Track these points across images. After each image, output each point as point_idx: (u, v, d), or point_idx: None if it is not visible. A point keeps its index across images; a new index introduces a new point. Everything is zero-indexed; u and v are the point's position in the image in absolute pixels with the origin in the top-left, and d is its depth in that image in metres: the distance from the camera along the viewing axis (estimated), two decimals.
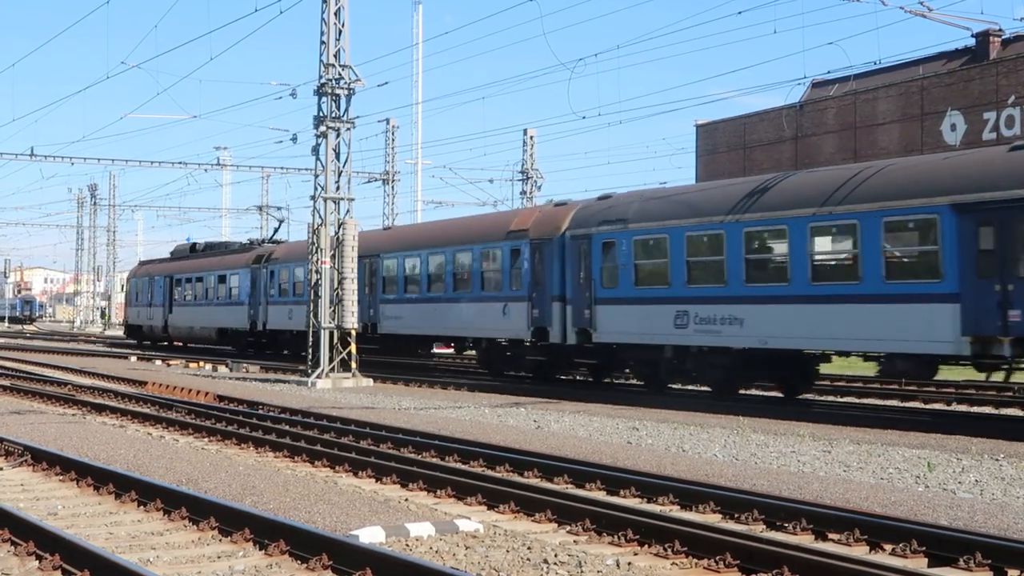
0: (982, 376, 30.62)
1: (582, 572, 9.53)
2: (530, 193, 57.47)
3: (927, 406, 26.45)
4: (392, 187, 67.51)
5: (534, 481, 14.68)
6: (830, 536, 11.02)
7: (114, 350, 56.35)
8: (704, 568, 9.84)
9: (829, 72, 64.12)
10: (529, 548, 10.46)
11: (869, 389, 30.48)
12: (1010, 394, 27.95)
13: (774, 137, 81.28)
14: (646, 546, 10.60)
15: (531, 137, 56.96)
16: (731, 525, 11.66)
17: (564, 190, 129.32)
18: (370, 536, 10.56)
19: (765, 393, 30.09)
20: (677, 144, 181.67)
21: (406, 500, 13.47)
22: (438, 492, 13.81)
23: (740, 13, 32.52)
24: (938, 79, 71.32)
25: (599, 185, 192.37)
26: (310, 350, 34.93)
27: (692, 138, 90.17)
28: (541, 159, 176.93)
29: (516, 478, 14.87)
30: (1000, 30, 68.24)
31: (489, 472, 15.39)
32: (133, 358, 49.59)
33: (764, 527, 11.62)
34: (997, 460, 16.87)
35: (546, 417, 23.85)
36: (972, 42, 70.92)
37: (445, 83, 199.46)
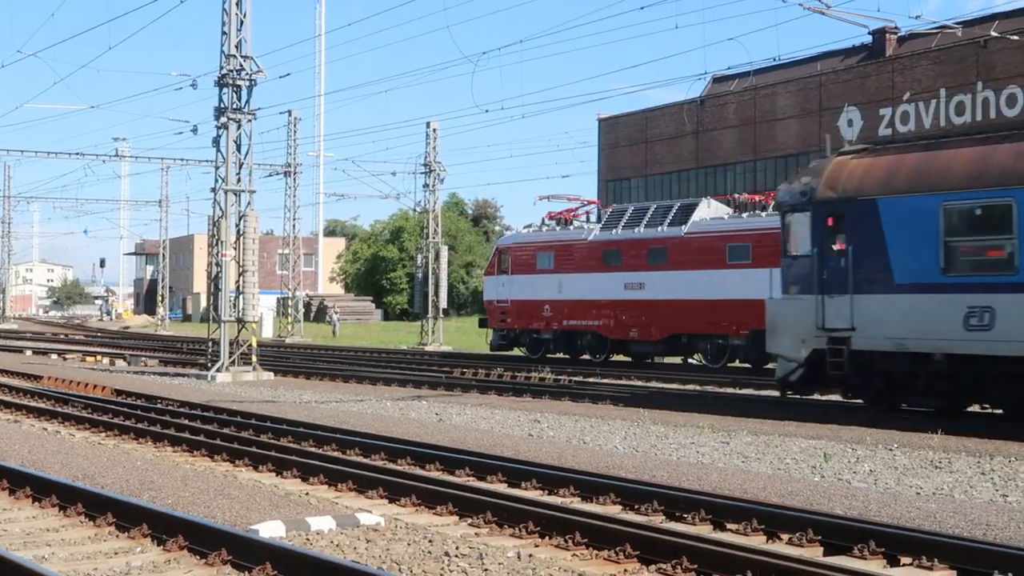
0: None
1: (483, 564, 9.55)
2: (432, 187, 57.34)
3: (824, 397, 26.82)
4: (294, 180, 67.03)
5: (436, 474, 14.68)
6: (728, 526, 11.15)
7: (9, 343, 55.33)
8: (604, 559, 9.91)
9: (729, 68, 64.93)
10: (430, 541, 10.46)
11: (767, 381, 30.86)
12: None
13: (675, 131, 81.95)
14: (547, 538, 10.65)
15: (434, 130, 56.76)
16: (631, 516, 11.76)
17: (467, 183, 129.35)
18: (270, 531, 10.48)
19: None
20: (580, 138, 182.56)
21: (307, 494, 13.40)
22: (339, 486, 13.75)
23: (642, 8, 32.69)
24: (836, 75, 72.37)
25: (501, 178, 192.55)
26: (209, 343, 34.57)
27: (595, 132, 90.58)
28: (444, 152, 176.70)
29: (418, 471, 14.85)
30: (896, 28, 69.39)
31: (391, 465, 15.37)
32: (28, 352, 48.71)
33: (664, 518, 11.73)
34: (891, 450, 17.19)
35: (448, 410, 23.86)
36: (869, 39, 72.00)
37: (348, 75, 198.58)
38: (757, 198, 36.80)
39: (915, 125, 66.51)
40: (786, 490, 13.08)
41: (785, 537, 10.60)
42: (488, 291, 44.50)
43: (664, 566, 9.46)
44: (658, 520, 11.58)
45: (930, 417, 20.44)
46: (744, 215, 35.86)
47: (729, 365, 35.93)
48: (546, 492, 13.31)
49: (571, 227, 41.98)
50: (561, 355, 41.92)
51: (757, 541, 10.60)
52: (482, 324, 46.39)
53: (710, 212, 37.10)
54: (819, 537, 10.36)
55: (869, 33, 69.96)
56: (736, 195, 38.34)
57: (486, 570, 9.37)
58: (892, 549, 9.82)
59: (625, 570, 9.62)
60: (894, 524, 10.78)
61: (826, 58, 73.87)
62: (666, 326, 37.19)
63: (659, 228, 37.57)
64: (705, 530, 11.08)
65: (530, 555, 9.95)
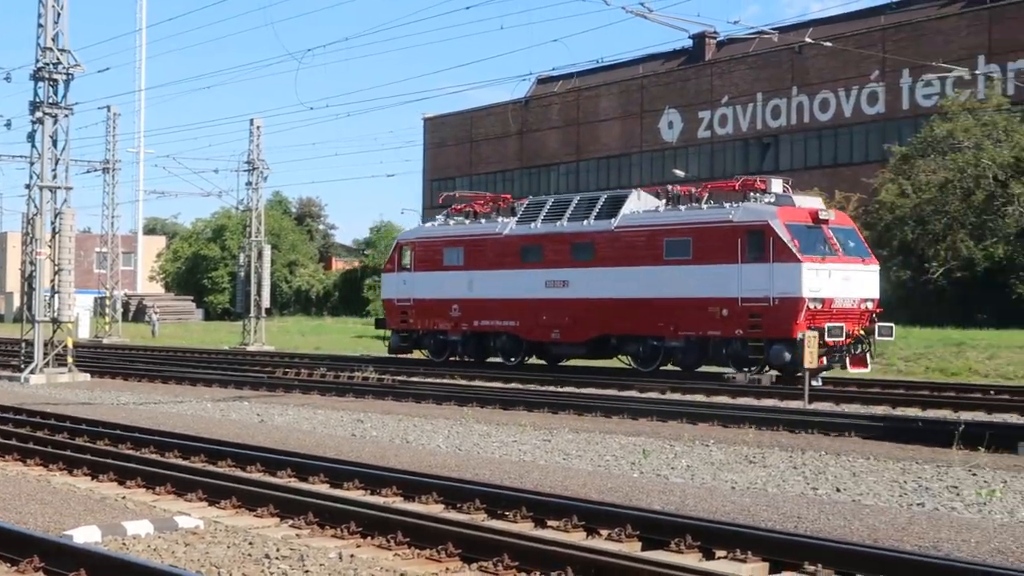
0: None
1: (304, 566, 9.48)
2: (255, 184, 56.62)
3: (643, 394, 27.31)
4: (113, 176, 65.48)
5: (257, 475, 14.51)
6: (549, 523, 11.26)
7: None
8: (427, 558, 9.92)
9: (554, 69, 65.28)
10: (251, 543, 10.34)
11: (588, 380, 31.27)
12: (716, 384, 29.13)
13: (500, 132, 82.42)
14: (369, 538, 10.62)
15: (258, 127, 56.05)
16: (454, 515, 11.79)
17: (291, 181, 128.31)
18: (85, 536, 10.24)
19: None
20: (405, 137, 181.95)
21: (124, 498, 13.11)
22: (157, 489, 13.49)
23: (468, 8, 32.98)
24: (657, 78, 73.64)
25: (327, 176, 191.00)
26: (23, 344, 33.59)
27: (420, 131, 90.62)
28: (268, 150, 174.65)
29: (238, 473, 14.66)
30: (715, 32, 70.93)
31: (210, 467, 15.13)
32: None
33: (486, 516, 11.79)
34: (707, 446, 17.57)
35: (270, 411, 23.61)
36: (689, 43, 73.34)
37: (170, 70, 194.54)
38: (692, 189, 33.99)
39: (733, 128, 68.11)
40: (606, 486, 13.28)
41: (604, 533, 10.75)
42: (387, 289, 41.12)
43: (486, 564, 9.51)
44: (480, 518, 11.64)
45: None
46: (682, 208, 32.96)
47: (662, 368, 32.92)
48: (368, 492, 13.26)
49: (483, 221, 38.48)
50: (467, 359, 38.52)
51: (577, 537, 10.73)
52: (379, 324, 42.78)
53: (641, 204, 34.19)
54: (637, 532, 10.53)
55: (689, 37, 71.32)
56: (669, 186, 35.26)
57: (307, 571, 9.31)
58: (708, 542, 10.03)
59: (447, 568, 9.65)
60: (710, 518, 11.02)
61: (648, 61, 75.12)
62: (593, 327, 34.09)
63: (584, 222, 34.45)
64: (526, 527, 11.17)
65: (352, 555, 9.92)
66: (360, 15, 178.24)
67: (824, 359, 28.74)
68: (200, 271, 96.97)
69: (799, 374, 28.54)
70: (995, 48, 56.37)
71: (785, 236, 29.29)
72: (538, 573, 9.21)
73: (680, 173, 66.39)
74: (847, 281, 29.91)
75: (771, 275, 29.37)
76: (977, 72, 54.03)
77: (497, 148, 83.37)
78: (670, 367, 32.95)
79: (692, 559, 9.77)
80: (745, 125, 67.65)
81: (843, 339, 28.88)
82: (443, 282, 38.22)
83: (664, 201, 33.81)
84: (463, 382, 31.57)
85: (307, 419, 22.04)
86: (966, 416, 21.27)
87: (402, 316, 39.66)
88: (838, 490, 13.52)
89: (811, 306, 28.93)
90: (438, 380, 32.07)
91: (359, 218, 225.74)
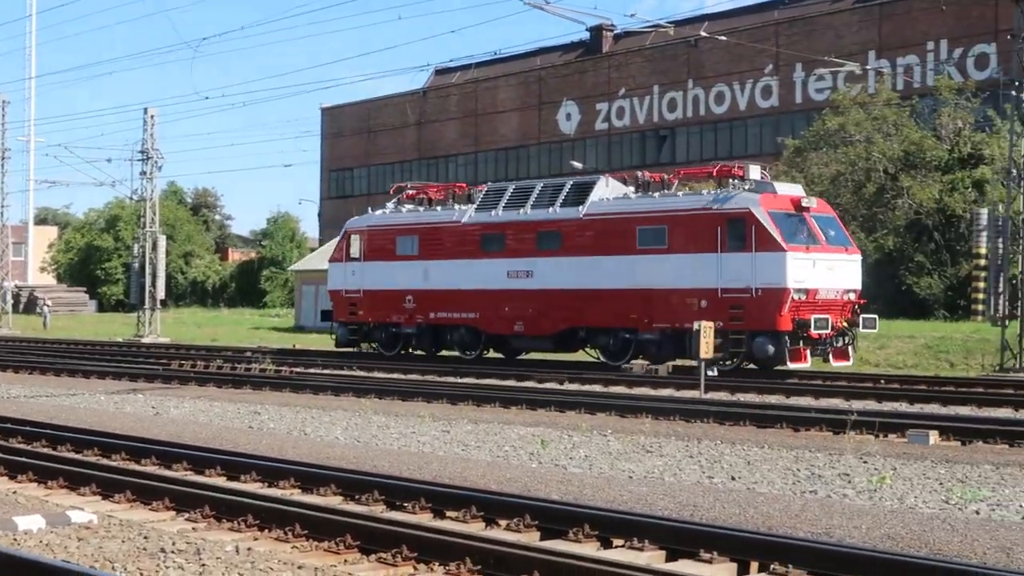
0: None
1: (200, 560, 9.38)
2: (150, 174, 55.85)
3: (542, 385, 27.43)
4: (2, 166, 64.25)
5: (152, 469, 14.32)
6: (448, 514, 11.26)
7: None
8: (325, 550, 9.87)
9: (452, 60, 65.59)
10: (146, 538, 10.21)
11: (487, 371, 31.33)
12: (614, 374, 29.34)
13: (398, 122, 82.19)
14: (267, 531, 10.54)
15: (152, 116, 55.29)
16: (352, 507, 11.74)
17: (186, 171, 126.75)
18: None
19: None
20: (303, 127, 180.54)
21: (14, 493, 12.86)
22: (49, 483, 13.26)
23: None
24: (555, 70, 73.93)
25: (223, 166, 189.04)
26: None
27: (318, 121, 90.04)
28: (163, 139, 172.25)
29: (133, 466, 14.47)
30: (612, 25, 71.42)
31: (104, 461, 14.91)
32: None
33: (385, 507, 11.76)
34: (605, 436, 17.68)
35: (165, 403, 23.33)
36: (587, 36, 73.65)
37: (62, 58, 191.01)
38: (664, 176, 32.98)
39: (630, 120, 68.61)
40: (505, 477, 13.31)
41: (503, 523, 10.78)
42: (334, 279, 38.92)
43: (384, 556, 9.49)
44: (379, 510, 11.61)
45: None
46: (655, 195, 31.73)
47: (633, 362, 31.53)
48: (266, 484, 13.16)
49: (438, 208, 36.83)
50: (419, 352, 37.22)
51: (476, 527, 10.75)
52: (325, 317, 40.50)
53: (609, 191, 32.69)
54: (536, 522, 10.56)
55: (587, 30, 71.63)
56: (639, 172, 33.94)
57: (203, 565, 9.21)
58: (605, 531, 10.10)
59: (345, 560, 9.61)
60: (607, 507, 11.10)
61: (545, 53, 75.41)
62: (560, 319, 32.60)
63: (550, 209, 32.99)
64: (425, 518, 11.16)
65: (249, 548, 9.84)
66: (257, 3, 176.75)
67: (810, 351, 28.37)
68: (93, 262, 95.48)
69: (780, 367, 28.73)
70: (885, 44, 57.46)
71: (768, 224, 28.40)
72: (437, 564, 9.22)
73: (578, 165, 66.75)
74: (831, 271, 29.11)
75: (754, 265, 28.48)
76: (868, 67, 55.05)
77: (395, 139, 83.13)
78: (640, 360, 31.46)
79: (590, 548, 9.83)
80: (642, 117, 68.19)
81: (828, 331, 28.27)
82: (396, 272, 36.61)
83: (633, 188, 32.75)
84: (362, 373, 31.46)
85: (203, 411, 21.82)
86: (858, 405, 21.65)
87: (351, 308, 37.96)
88: (733, 478, 13.70)
89: (796, 297, 28.16)
90: (336, 372, 31.93)
91: (256, 208, 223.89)
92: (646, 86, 67.77)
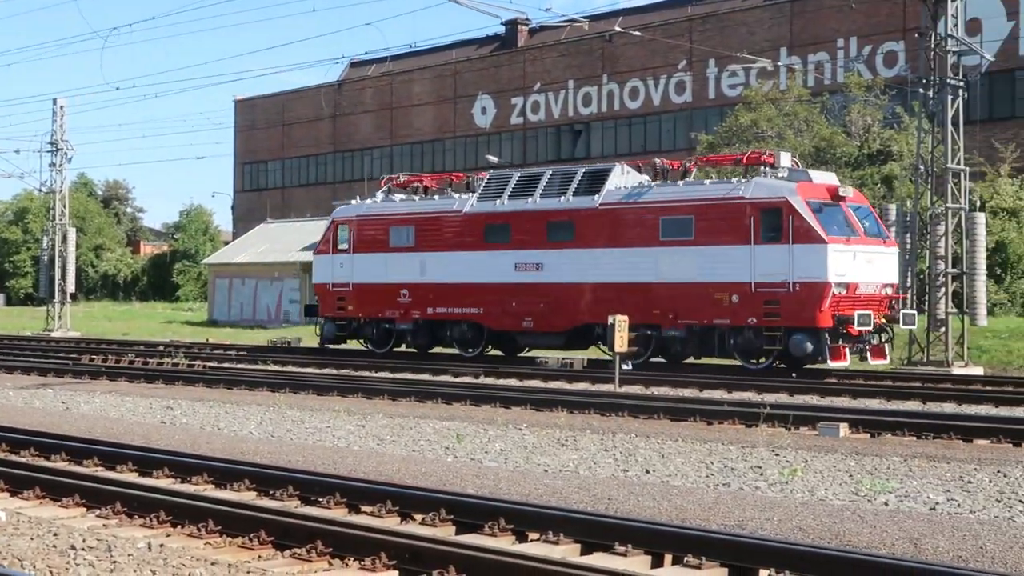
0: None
1: (112, 556, 9.27)
2: (59, 166, 55.01)
3: (457, 379, 27.43)
4: None
5: (62, 465, 14.13)
6: (364, 509, 11.23)
7: None
8: (239, 546, 9.80)
9: (367, 53, 65.27)
10: (55, 535, 10.07)
11: (405, 364, 31.27)
12: (529, 368, 29.41)
13: (313, 115, 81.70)
14: (179, 527, 10.44)
15: (61, 107, 54.46)
16: (266, 502, 11.68)
17: (96, 163, 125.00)
18: None
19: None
20: (216, 119, 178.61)
21: None
22: None
23: None
24: (470, 64, 73.87)
25: (134, 158, 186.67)
26: None
27: (231, 113, 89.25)
28: (72, 131, 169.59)
29: (42, 462, 14.26)
30: (528, 20, 71.50)
31: (12, 457, 14.67)
32: None
33: (299, 502, 11.70)
34: (520, 430, 17.73)
35: (76, 398, 23.02)
36: (502, 30, 73.75)
37: None
38: (684, 163, 31.05)
39: (545, 114, 68.76)
40: (420, 471, 13.31)
41: (419, 517, 10.77)
42: (319, 273, 36.48)
43: (299, 551, 9.45)
44: (293, 505, 11.55)
45: None
46: (680, 183, 29.74)
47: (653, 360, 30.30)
48: (179, 480, 13.04)
49: (436, 197, 34.78)
50: (413, 349, 34.93)
51: (392, 522, 10.73)
52: (310, 312, 38.20)
53: (626, 180, 30.70)
54: (452, 516, 10.57)
55: (502, 24, 71.77)
56: (656, 160, 31.70)
57: (115, 562, 9.11)
58: (521, 525, 10.13)
59: (259, 556, 9.55)
60: (523, 501, 11.13)
61: (461, 47, 75.33)
62: (573, 314, 30.64)
63: (561, 198, 30.92)
64: (340, 513, 11.13)
65: (161, 545, 9.74)
66: None
67: (849, 348, 27.01)
68: (1, 255, 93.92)
69: (818, 363, 27.36)
70: (796, 41, 58.15)
71: (807, 214, 26.79)
72: (352, 559, 9.19)
73: (493, 159, 66.80)
74: (870, 264, 27.59)
75: (790, 257, 26.83)
76: (779, 64, 55.67)
77: (310, 131, 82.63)
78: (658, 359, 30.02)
79: (505, 542, 9.86)
80: (557, 112, 68.38)
81: (870, 328, 26.88)
82: (390, 265, 34.27)
83: (650, 175, 30.87)
84: (276, 368, 31.25)
85: (115, 406, 21.56)
86: (770, 398, 21.91)
87: (338, 303, 35.58)
88: (647, 471, 13.80)
89: (836, 292, 26.62)
90: (250, 366, 31.69)
91: (168, 201, 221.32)
92: (561, 80, 67.96)
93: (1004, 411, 20.52)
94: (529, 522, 10.14)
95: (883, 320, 27.60)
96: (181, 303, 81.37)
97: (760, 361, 28.11)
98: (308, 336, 43.55)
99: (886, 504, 11.71)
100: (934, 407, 21.30)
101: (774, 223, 27.16)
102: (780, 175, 28.17)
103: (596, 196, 30.30)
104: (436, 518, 10.59)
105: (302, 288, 58.77)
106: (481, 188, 33.19)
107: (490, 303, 32.04)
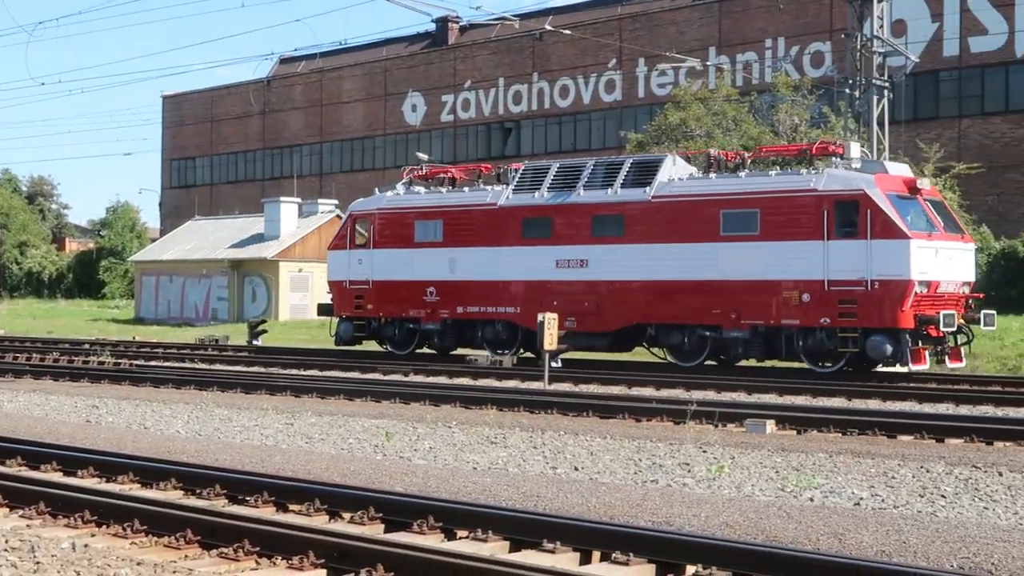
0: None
1: (35, 557, 9.16)
2: None
3: (386, 377, 27.37)
4: None
5: None
6: (291, 507, 11.18)
7: None
8: (165, 546, 9.72)
9: (297, 49, 64.95)
10: None
11: (330, 362, 31.15)
12: (459, 366, 29.40)
13: (242, 111, 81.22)
14: (105, 527, 10.34)
15: None
16: (193, 501, 11.59)
17: (22, 158, 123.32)
18: None
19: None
20: (143, 115, 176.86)
21: None
22: None
23: None
24: (401, 61, 73.75)
25: (60, 154, 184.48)
26: None
27: (159, 109, 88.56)
28: None
29: None
30: (458, 17, 71.62)
31: None
32: None
33: (227, 501, 11.62)
34: (450, 428, 17.73)
35: None
36: (432, 27, 73.73)
37: None
38: (744, 154, 29.71)
39: (475, 112, 68.78)
40: (349, 469, 13.27)
41: (348, 516, 10.74)
42: (335, 269, 34.12)
43: (226, 550, 9.38)
44: (221, 504, 11.47)
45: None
46: (742, 174, 28.01)
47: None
48: (104, 480, 12.90)
49: (466, 189, 32.56)
50: (434, 351, 32.99)
51: (320, 521, 10.69)
52: (323, 311, 35.63)
53: (678, 171, 28.98)
54: (380, 514, 10.55)
55: (432, 21, 71.85)
56: (710, 151, 30.34)
57: (38, 563, 9.00)
58: (449, 523, 10.13)
59: (186, 556, 9.48)
60: (451, 499, 11.13)
61: (391, 44, 75.23)
62: (621, 314, 28.78)
63: (608, 191, 29.00)
64: (268, 512, 11.07)
65: (86, 545, 9.63)
66: None
67: (927, 350, 25.37)
68: None
69: (898, 367, 25.93)
70: (725, 40, 58.62)
71: (887, 208, 25.18)
72: (280, 558, 9.15)
73: (424, 156, 66.60)
74: (950, 261, 26.06)
75: (869, 254, 25.21)
76: (708, 63, 56.07)
77: (238, 128, 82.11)
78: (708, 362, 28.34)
79: (434, 540, 9.85)
80: (487, 110, 68.44)
81: (954, 329, 25.47)
82: (415, 261, 32.16)
83: (704, 167, 29.33)
84: (203, 366, 31.01)
85: (39, 405, 21.29)
86: (697, 395, 22.04)
87: (356, 301, 33.31)
88: (576, 469, 13.85)
89: (918, 290, 25.05)
90: (177, 364, 31.42)
91: (94, 198, 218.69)
92: (491, 78, 68.02)
93: (927, 407, 20.82)
94: (458, 520, 10.14)
95: (962, 320, 26.02)
96: (107, 301, 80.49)
97: (827, 364, 26.49)
98: (237, 334, 43.31)
99: (811, 500, 11.84)
100: (859, 404, 21.54)
101: (850, 217, 25.58)
102: (855, 166, 26.66)
103: (648, 188, 28.51)
104: (365, 516, 10.56)
105: (231, 285, 58.42)
106: (516, 180, 31.14)
107: (528, 302, 29.97)
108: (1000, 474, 13.16)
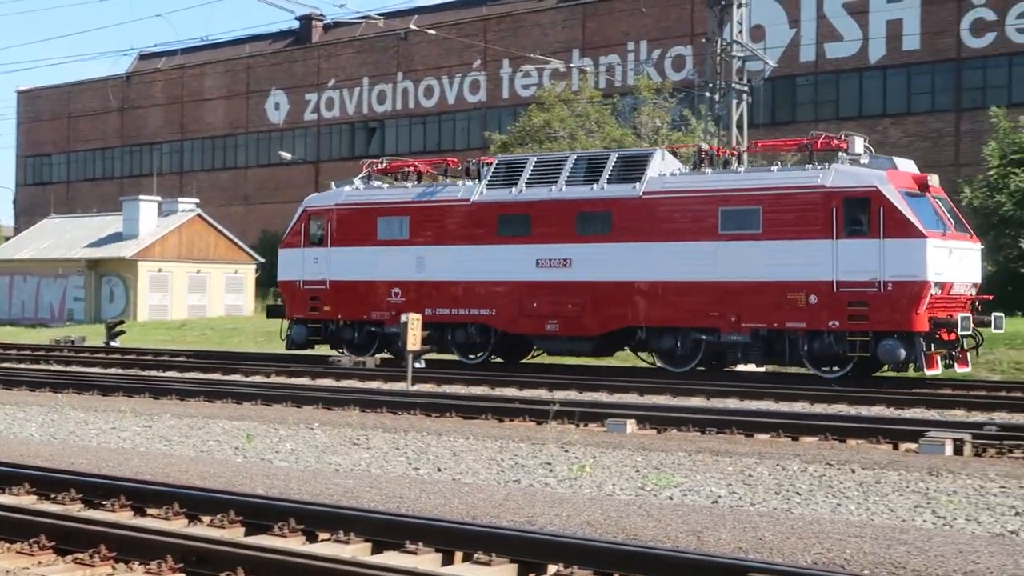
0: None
1: None
2: None
3: (248, 378, 27.08)
4: None
5: None
6: (150, 511, 11.00)
7: None
8: (17, 552, 9.50)
9: (157, 45, 63.98)
10: None
11: (190, 363, 30.73)
12: (322, 367, 29.21)
13: (100, 107, 79.73)
14: None
15: None
16: (47, 506, 11.34)
17: None
18: None
19: None
20: None
21: None
22: None
23: None
24: (264, 59, 73.10)
25: None
26: None
27: (13, 104, 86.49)
28: None
29: None
30: (322, 15, 71.17)
31: None
32: None
33: (83, 506, 11.40)
34: (312, 429, 17.60)
35: None
36: (296, 25, 73.20)
37: None
38: (740, 149, 28.46)
39: (340, 111, 68.41)
40: (209, 472, 13.10)
41: (207, 519, 10.60)
42: (287, 269, 31.89)
43: (81, 556, 9.20)
44: (76, 508, 11.24)
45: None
46: (741, 169, 27.02)
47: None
48: None
49: (434, 184, 30.69)
50: (390, 355, 30.86)
51: (179, 524, 10.54)
52: (273, 313, 33.29)
53: (667, 166, 27.52)
54: (241, 517, 10.43)
55: (296, 19, 71.28)
56: (700, 144, 28.89)
57: None
58: (311, 525, 10.06)
59: (40, 562, 9.27)
60: (313, 501, 11.06)
61: (254, 41, 74.51)
62: (609, 317, 27.34)
63: (594, 187, 27.54)
64: (125, 516, 10.88)
65: None
66: None
67: (940, 355, 24.24)
68: None
69: (910, 368, 24.75)
70: (588, 43, 59.20)
71: (901, 205, 24.12)
72: (137, 563, 9.00)
73: (286, 156, 66.19)
74: (961, 261, 25.09)
75: (882, 253, 24.09)
76: (572, 65, 56.56)
77: (96, 125, 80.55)
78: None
79: (296, 542, 9.78)
80: (352, 109, 68.15)
81: (969, 332, 24.51)
82: (378, 260, 30.30)
83: (695, 162, 27.91)
84: (58, 368, 30.36)
85: None
86: (560, 395, 22.19)
87: (311, 303, 31.22)
88: (439, 469, 13.85)
89: (933, 292, 24.00)
90: (31, 366, 30.72)
91: None
92: (356, 77, 67.74)
93: (783, 406, 21.23)
94: (320, 522, 10.08)
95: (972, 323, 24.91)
96: None
97: (834, 369, 25.20)
98: (94, 335, 42.49)
99: (671, 498, 12.00)
100: (718, 403, 21.89)
101: (861, 215, 24.50)
102: (863, 161, 25.55)
103: (637, 184, 27.05)
104: (225, 519, 10.44)
105: (87, 285, 57.31)
106: (490, 175, 29.44)
107: (504, 303, 28.58)
108: (852, 471, 13.48)
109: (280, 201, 70.08)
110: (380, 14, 52.42)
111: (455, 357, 29.85)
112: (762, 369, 27.52)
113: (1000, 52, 49.44)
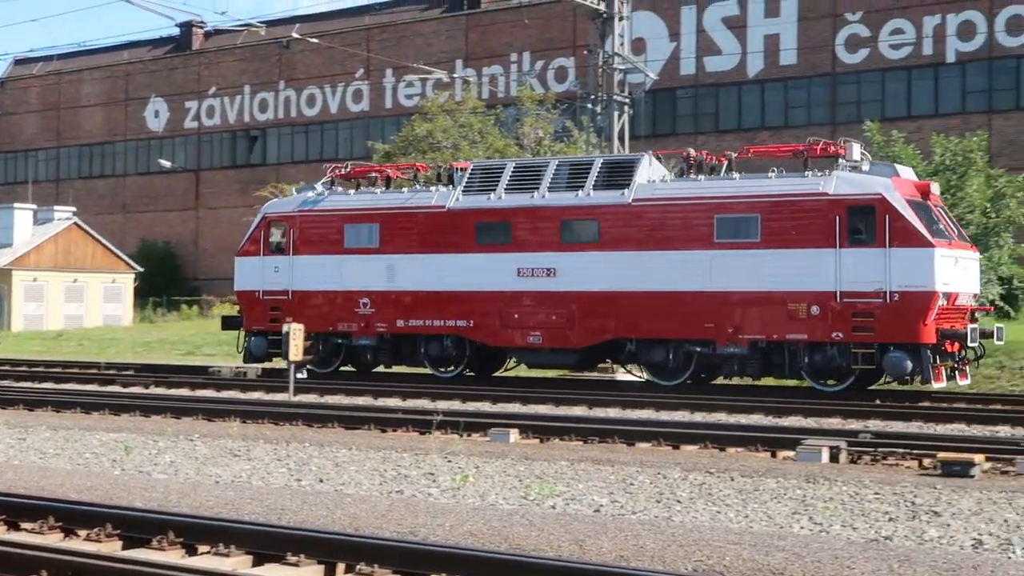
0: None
1: None
2: None
3: (126, 389, 26.66)
4: None
5: None
6: (24, 526, 10.77)
7: None
8: None
9: (32, 50, 62.71)
10: None
11: (70, 374, 30.17)
12: (202, 377, 28.88)
13: None
14: None
15: None
16: None
17: None
18: None
19: None
20: None
21: None
22: None
23: None
24: (143, 65, 72.09)
25: None
26: None
27: None
28: None
29: None
30: (203, 22, 70.35)
31: None
32: None
33: None
34: (192, 441, 17.38)
35: None
36: (177, 32, 72.35)
37: None
38: (731, 155, 26.94)
39: (221, 119, 67.73)
40: (85, 485, 12.87)
41: (83, 533, 10.42)
42: (244, 278, 30.05)
43: None
44: None
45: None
46: (736, 176, 25.61)
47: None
48: None
49: (405, 190, 29.18)
50: (351, 368, 29.56)
51: (54, 539, 10.34)
52: (228, 325, 31.39)
53: (655, 172, 26.58)
54: (119, 531, 10.27)
55: (177, 26, 70.40)
56: (689, 150, 27.14)
57: None
58: (190, 538, 9.94)
59: None
60: (193, 513, 10.92)
61: (133, 47, 73.41)
62: (596, 329, 26.23)
63: (579, 193, 26.39)
64: None
65: None
66: None
67: (944, 367, 23.51)
68: None
69: (924, 382, 23.71)
70: (471, 53, 59.35)
71: (908, 213, 23.34)
72: None
73: (166, 163, 65.36)
74: (965, 271, 24.53)
75: (888, 262, 23.34)
76: (455, 75, 56.63)
77: None
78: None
79: (175, 556, 9.66)
80: (233, 117, 67.50)
81: (976, 344, 23.95)
82: (345, 269, 28.74)
83: (683, 168, 27.11)
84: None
85: None
86: (443, 405, 22.19)
87: (271, 314, 29.29)
88: (321, 481, 13.77)
89: (940, 302, 23.25)
90: None
91: None
92: (237, 85, 67.12)
93: (664, 415, 21.44)
94: (199, 534, 9.97)
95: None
96: None
97: (833, 383, 24.51)
98: None
99: (553, 507, 12.06)
100: (600, 412, 22.04)
101: (866, 224, 23.70)
102: (863, 168, 24.72)
103: (626, 191, 25.99)
104: (102, 533, 10.26)
105: None
106: (465, 180, 28.04)
107: (482, 315, 27.25)
108: (732, 479, 13.67)
109: (159, 209, 69.20)
110: (262, 22, 52.06)
111: (427, 371, 28.58)
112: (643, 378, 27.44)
113: (873, 67, 50.57)
